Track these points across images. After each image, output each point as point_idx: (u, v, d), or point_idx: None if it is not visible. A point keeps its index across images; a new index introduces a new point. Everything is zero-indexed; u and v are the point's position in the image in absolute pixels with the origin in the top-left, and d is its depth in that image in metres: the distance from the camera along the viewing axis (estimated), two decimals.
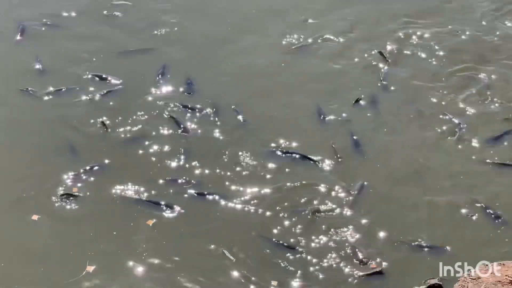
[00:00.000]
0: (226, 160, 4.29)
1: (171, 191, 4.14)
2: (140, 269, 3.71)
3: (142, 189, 4.14)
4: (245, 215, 4.00)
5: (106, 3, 5.76)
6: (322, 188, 4.14)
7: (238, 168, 4.27)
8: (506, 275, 3.42)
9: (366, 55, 5.21)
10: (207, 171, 4.25)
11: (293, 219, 3.98)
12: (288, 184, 4.16)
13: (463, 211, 4.05)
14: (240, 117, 4.54)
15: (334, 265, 3.73)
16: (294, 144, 4.43)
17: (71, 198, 4.05)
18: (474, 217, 3.99)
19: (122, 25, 5.54)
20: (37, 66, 5.05)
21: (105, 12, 5.57)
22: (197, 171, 4.23)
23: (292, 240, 3.85)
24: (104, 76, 4.85)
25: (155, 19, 5.58)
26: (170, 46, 5.29)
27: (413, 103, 4.77)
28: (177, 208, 4.02)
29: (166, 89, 4.84)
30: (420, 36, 5.32)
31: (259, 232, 3.85)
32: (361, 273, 3.66)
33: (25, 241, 3.90)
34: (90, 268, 3.71)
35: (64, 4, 5.70)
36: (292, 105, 4.72)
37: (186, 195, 4.11)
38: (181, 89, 4.87)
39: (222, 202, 4.06)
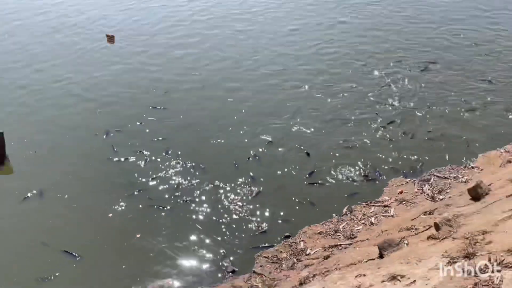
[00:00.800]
0: (193, 190, 7.08)
1: (170, 203, 6.90)
2: (163, 237, 6.38)
3: (155, 205, 6.86)
4: (197, 214, 6.73)
5: (144, 114, 8.92)
6: (237, 195, 6.96)
7: (200, 196, 7.02)
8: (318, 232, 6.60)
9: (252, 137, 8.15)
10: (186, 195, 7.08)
11: (225, 213, 6.71)
12: (221, 198, 6.98)
13: (300, 202, 6.84)
14: (202, 166, 7.50)
15: (244, 229, 6.42)
16: (227, 179, 7.26)
17: (128, 215, 6.82)
18: (305, 204, 6.82)
19: (157, 125, 8.63)
20: (115, 149, 8.02)
21: (139, 122, 8.74)
22: (185, 197, 7.05)
23: (223, 221, 6.63)
24: (145, 151, 7.87)
25: (162, 127, 8.57)
26: (172, 138, 8.19)
27: (279, 166, 7.58)
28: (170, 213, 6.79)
29: (169, 157, 7.75)
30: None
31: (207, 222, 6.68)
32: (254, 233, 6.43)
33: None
34: (138, 235, 6.35)
35: (123, 119, 8.77)
36: (225, 161, 7.67)
37: (176, 209, 6.81)
38: (176, 156, 7.72)
39: (188, 213, 6.76)
